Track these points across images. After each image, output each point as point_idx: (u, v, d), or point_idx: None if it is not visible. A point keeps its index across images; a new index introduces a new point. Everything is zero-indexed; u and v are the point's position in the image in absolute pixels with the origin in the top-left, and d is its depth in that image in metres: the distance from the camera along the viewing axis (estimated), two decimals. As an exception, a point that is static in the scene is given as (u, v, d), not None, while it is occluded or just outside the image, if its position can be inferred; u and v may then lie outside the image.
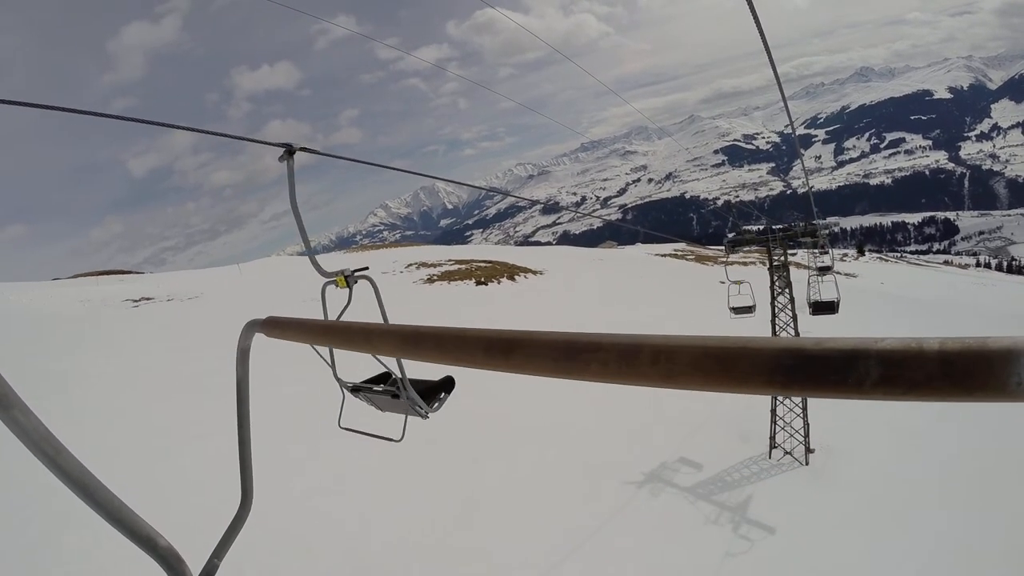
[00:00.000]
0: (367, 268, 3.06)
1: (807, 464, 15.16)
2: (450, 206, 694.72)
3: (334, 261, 63.45)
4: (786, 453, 15.62)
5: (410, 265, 52.11)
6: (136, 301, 36.82)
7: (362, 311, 2.32)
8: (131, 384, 18.48)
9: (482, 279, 43.52)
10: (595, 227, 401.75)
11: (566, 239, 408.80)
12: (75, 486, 0.90)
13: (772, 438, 15.91)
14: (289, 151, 3.14)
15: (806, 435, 15.59)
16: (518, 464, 14.21)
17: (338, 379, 3.46)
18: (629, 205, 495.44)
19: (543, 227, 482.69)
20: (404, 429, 3.82)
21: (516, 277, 45.28)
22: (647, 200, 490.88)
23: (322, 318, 2.20)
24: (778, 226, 17.15)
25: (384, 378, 3.62)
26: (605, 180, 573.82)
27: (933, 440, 15.37)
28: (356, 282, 3.05)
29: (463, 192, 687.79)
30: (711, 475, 14.40)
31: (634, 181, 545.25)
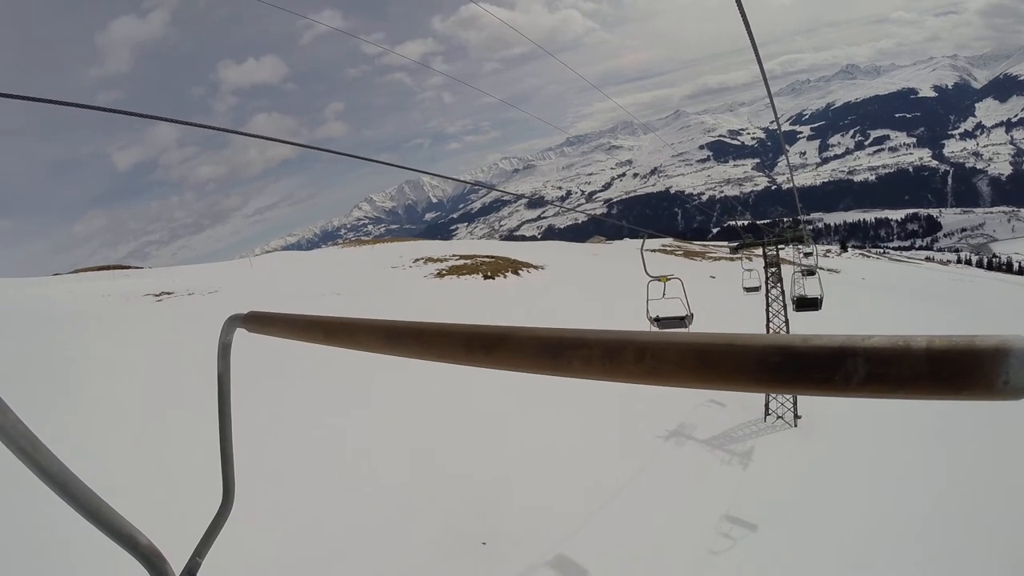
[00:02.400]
0: (672, 273, 6.15)
1: (796, 427, 18.32)
2: (435, 200, 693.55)
3: (360, 254, 65.19)
4: (778, 418, 18.78)
5: (417, 260, 53.14)
6: (158, 296, 37.00)
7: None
8: (181, 375, 17.84)
9: (489, 274, 44.43)
10: (579, 222, 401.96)
11: (551, 233, 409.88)
12: (53, 483, 0.85)
13: (766, 406, 19.09)
14: (645, 238, 6.59)
15: (794, 404, 18.74)
16: (557, 421, 16.85)
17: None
18: (614, 200, 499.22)
19: (528, 221, 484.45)
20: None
21: (520, 272, 46.44)
22: (632, 195, 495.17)
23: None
24: (764, 222, 20.68)
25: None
26: (590, 175, 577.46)
27: (908, 413, 18.23)
28: (670, 280, 6.23)
29: (448, 186, 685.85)
30: (720, 432, 17.53)
31: (619, 176, 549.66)
